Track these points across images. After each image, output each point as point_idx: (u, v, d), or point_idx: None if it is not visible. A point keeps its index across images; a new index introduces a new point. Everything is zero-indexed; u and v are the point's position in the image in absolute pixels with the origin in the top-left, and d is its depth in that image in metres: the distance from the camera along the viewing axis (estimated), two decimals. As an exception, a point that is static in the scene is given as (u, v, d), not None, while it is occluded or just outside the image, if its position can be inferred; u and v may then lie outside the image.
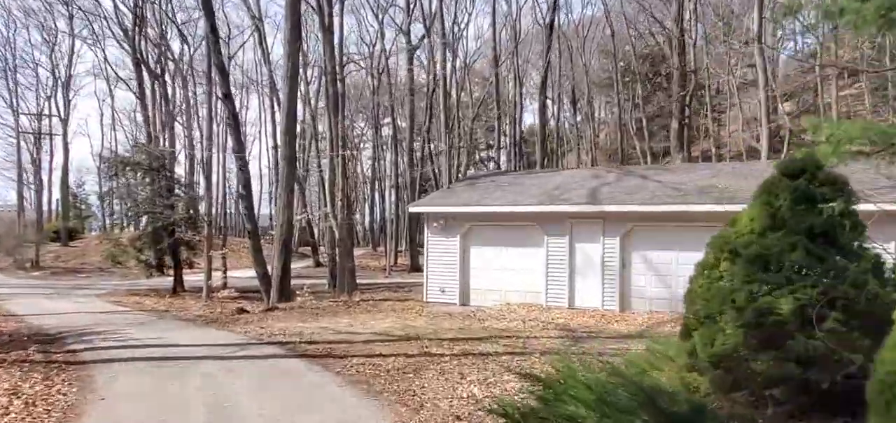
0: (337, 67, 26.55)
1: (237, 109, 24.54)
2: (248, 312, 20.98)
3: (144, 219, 34.94)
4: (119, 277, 42.70)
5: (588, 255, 19.13)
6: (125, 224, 36.19)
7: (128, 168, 33.58)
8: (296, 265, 54.20)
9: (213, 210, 50.13)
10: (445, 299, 20.96)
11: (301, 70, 46.20)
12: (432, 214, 21.21)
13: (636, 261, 18.58)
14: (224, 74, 24.69)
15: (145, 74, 41.49)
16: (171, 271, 34.03)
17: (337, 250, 25.99)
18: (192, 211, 34.00)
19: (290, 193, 22.12)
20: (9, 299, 29.08)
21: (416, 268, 49.15)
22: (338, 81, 27.02)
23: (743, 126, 45.77)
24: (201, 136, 33.12)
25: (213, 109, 30.56)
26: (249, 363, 12.46)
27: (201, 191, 36.08)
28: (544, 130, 30.45)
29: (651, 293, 18.37)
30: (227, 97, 24.08)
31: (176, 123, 44.24)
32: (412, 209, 22.97)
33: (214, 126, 40.16)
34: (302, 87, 50.03)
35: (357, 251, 56.89)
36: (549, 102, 51.69)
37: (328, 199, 27.60)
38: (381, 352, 13.23)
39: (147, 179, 34.52)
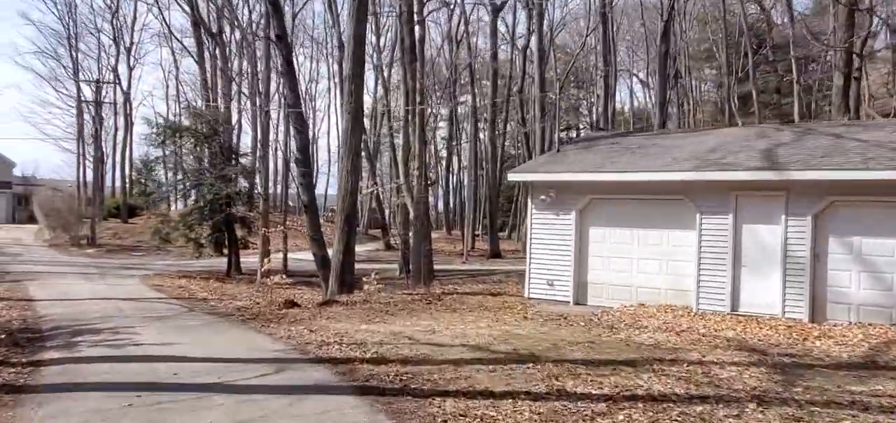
0: (415, 4, 21.71)
1: (293, 59, 19.95)
2: (298, 305, 16.44)
3: (194, 192, 31.10)
4: (174, 256, 39.32)
5: (761, 240, 13.74)
6: (176, 198, 32.26)
7: (177, 135, 29.64)
8: (363, 248, 50.00)
9: (272, 186, 46.38)
10: (554, 296, 15.92)
11: (371, 37, 41.79)
12: (538, 183, 16.17)
13: (836, 250, 13.10)
14: (278, 11, 20.16)
15: (204, 36, 37.75)
16: (228, 251, 30.16)
17: (412, 229, 21.23)
18: (247, 184, 29.89)
19: (355, 156, 17.44)
20: (40, 279, 25.65)
21: (495, 254, 44.25)
22: (415, 26, 22.19)
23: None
24: (259, 100, 28.81)
25: (272, 63, 26.21)
26: (279, 403, 7.73)
27: (257, 163, 31.93)
28: (665, 95, 24.83)
29: (859, 297, 12.88)
30: (281, 40, 19.59)
31: (237, 95, 40.36)
32: (513, 177, 17.92)
33: (273, 85, 35.97)
34: (373, 57, 45.75)
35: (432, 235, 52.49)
36: (646, 76, 45.87)
37: (401, 169, 22.81)
38: (487, 385, 8.33)
39: (199, 148, 30.63)
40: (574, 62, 51.15)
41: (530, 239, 16.29)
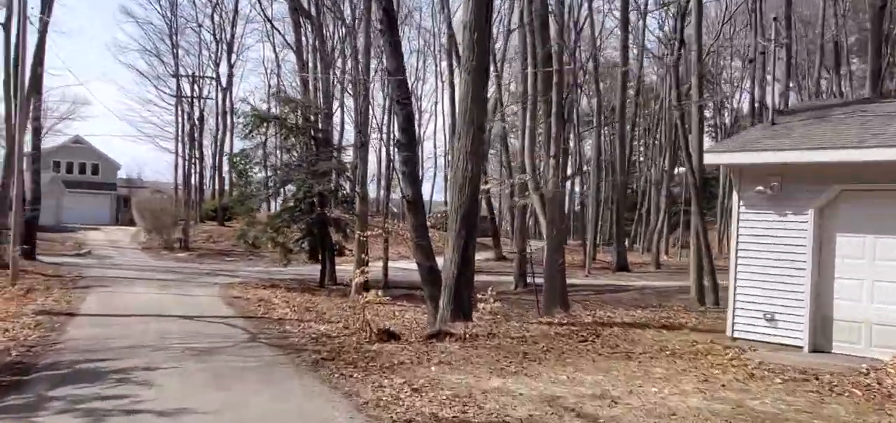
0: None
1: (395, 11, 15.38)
2: (397, 338, 11.80)
3: (284, 192, 27.32)
4: (267, 262, 35.96)
5: None
6: (267, 199, 28.59)
7: (266, 124, 25.88)
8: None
9: (373, 190, 42.39)
10: (775, 336, 10.54)
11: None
12: (751, 168, 10.86)
13: None
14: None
15: (302, 20, 34.20)
16: (321, 258, 26.22)
17: (546, 234, 16.32)
18: (342, 181, 25.81)
19: (477, 131, 12.64)
20: (111, 285, 22.65)
21: (623, 267, 38.63)
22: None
23: None
24: (357, 71, 24.66)
25: (372, 31, 21.94)
26: None
27: (355, 157, 27.79)
28: (880, 62, 19.05)
29: None
30: (380, -9, 15.13)
31: (335, 87, 36.58)
32: (713, 158, 12.46)
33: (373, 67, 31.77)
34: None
35: (538, 244, 46.89)
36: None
37: (527, 161, 17.94)
38: None
39: (289, 140, 26.83)
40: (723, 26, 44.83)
41: (736, 251, 10.97)
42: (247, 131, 25.60)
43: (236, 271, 31.45)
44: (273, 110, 26.45)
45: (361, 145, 22.66)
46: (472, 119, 12.62)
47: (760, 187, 10.54)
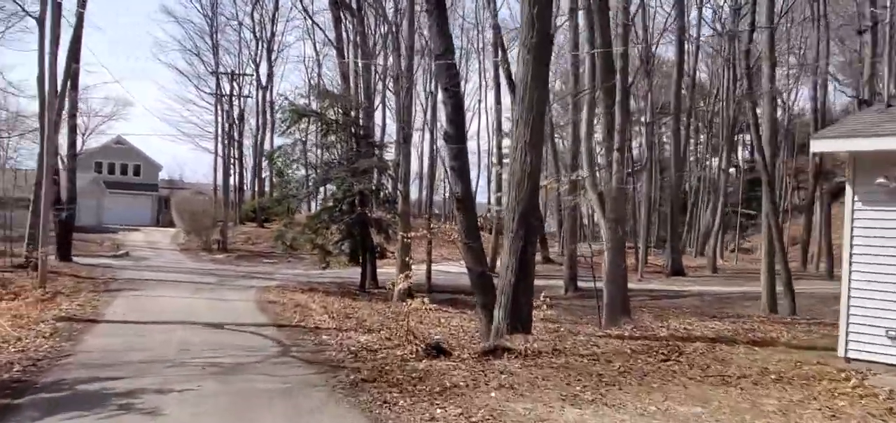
0: None
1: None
2: (448, 354, 10.31)
3: (323, 191, 26.08)
4: (306, 265, 34.86)
5: None
6: (307, 199, 27.37)
7: (305, 120, 24.67)
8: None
9: (415, 191, 40.93)
10: (899, 358, 8.80)
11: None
12: (870, 156, 9.14)
13: None
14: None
15: (342, 12, 32.96)
16: (361, 260, 24.90)
17: (606, 235, 14.72)
18: (384, 179, 24.46)
19: (537, 118, 11.05)
20: (142, 288, 21.80)
21: (678, 271, 36.65)
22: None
23: None
24: (399, 81, 23.30)
25: (415, 27, 20.52)
26: None
27: (397, 154, 26.40)
28: None
29: None
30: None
31: (377, 83, 35.26)
32: (821, 145, 10.60)
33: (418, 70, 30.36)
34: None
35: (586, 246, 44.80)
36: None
37: (585, 155, 16.35)
38: None
39: (331, 137, 25.59)
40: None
41: (850, 256, 9.23)
42: (285, 127, 24.42)
43: (274, 273, 30.37)
44: (312, 105, 25.03)
45: (404, 142, 21.25)
46: (531, 105, 11.08)
47: (883, 179, 8.79)
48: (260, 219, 47.36)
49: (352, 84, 29.36)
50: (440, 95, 14.38)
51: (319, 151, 26.60)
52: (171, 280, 25.31)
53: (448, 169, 13.64)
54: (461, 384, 8.36)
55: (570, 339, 10.98)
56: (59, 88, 26.49)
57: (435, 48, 13.75)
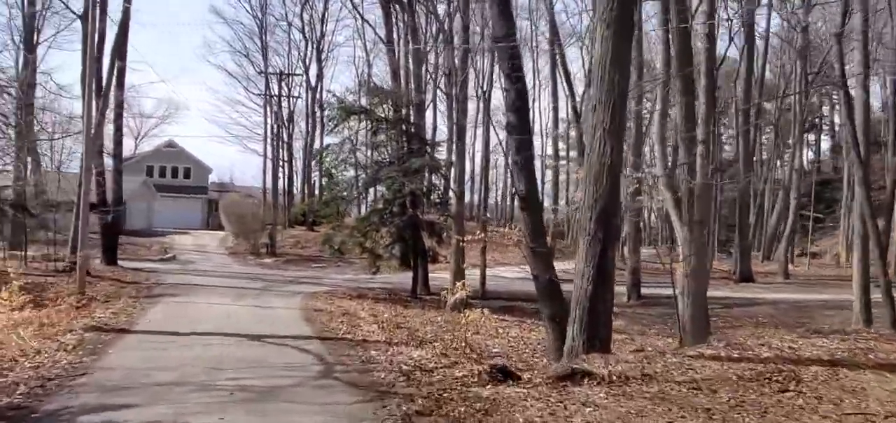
0: None
1: None
2: (516, 379, 8.79)
3: (371, 192, 24.84)
4: (356, 269, 33.71)
5: None
6: (356, 200, 26.13)
7: (354, 118, 23.46)
8: (567, 265, 41.25)
9: (469, 189, 39.34)
10: None
11: None
12: None
13: None
14: None
15: (393, 9, 31.81)
16: (412, 265, 23.58)
17: (686, 240, 13.03)
18: (436, 179, 23.10)
19: (618, 101, 9.46)
20: (186, 294, 21.11)
21: (746, 277, 34.53)
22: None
23: None
24: (453, 76, 21.91)
25: (469, 17, 19.06)
26: None
27: (451, 154, 24.99)
28: None
29: None
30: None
31: (429, 80, 33.93)
32: None
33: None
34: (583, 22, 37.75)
35: (646, 251, 42.58)
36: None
37: (658, 149, 14.67)
38: None
39: (380, 136, 24.34)
40: None
41: None
42: (333, 125, 23.24)
43: (322, 278, 29.28)
44: (362, 102, 23.80)
45: (458, 138, 19.82)
46: (611, 86, 9.49)
47: None
48: (309, 222, 46.50)
49: (402, 82, 28.08)
50: (502, 82, 12.88)
51: (369, 151, 25.33)
52: (216, 285, 24.35)
53: (510, 163, 12.14)
54: (536, 419, 6.84)
55: (660, 360, 9.34)
56: (104, 87, 25.93)
57: (496, 31, 12.29)
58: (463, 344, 12.33)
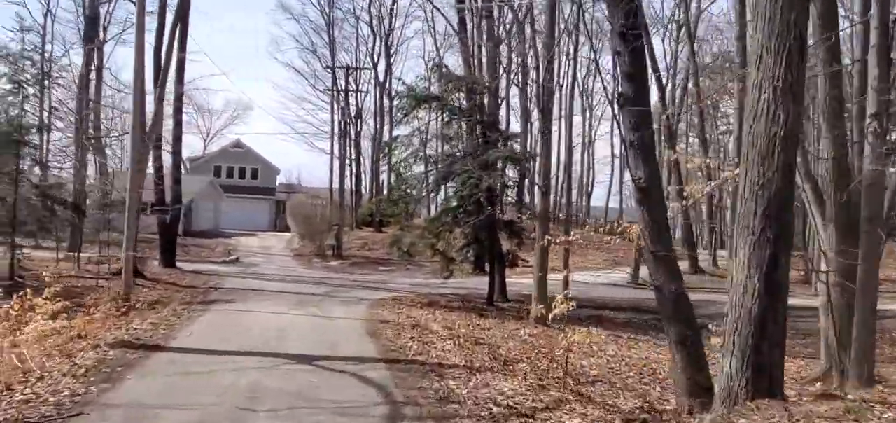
0: None
1: None
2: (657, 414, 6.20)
3: (442, 189, 22.48)
4: (425, 272, 31.52)
5: None
6: (426, 198, 23.80)
7: (424, 107, 21.16)
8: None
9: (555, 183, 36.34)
10: None
11: None
12: None
13: None
14: None
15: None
16: (489, 269, 21.13)
17: (861, 249, 10.13)
18: (514, 173, 20.59)
19: (796, 47, 6.78)
20: (243, 300, 19.52)
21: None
22: None
23: None
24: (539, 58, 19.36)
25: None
26: None
27: (534, 145, 22.36)
28: None
29: None
30: None
31: (505, 69, 31.42)
32: None
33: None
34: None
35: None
36: None
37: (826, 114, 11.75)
38: None
39: (454, 127, 22.00)
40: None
41: None
42: (402, 115, 20.98)
43: (389, 283, 27.12)
44: (433, 90, 21.47)
45: (543, 125, 17.24)
46: (786, 27, 6.77)
47: None
48: (376, 223, 44.56)
49: (474, 63, 25.62)
50: (613, 44, 10.24)
51: (439, 145, 23.01)
52: (276, 290, 22.44)
53: (625, 145, 9.48)
54: None
55: (859, 406, 6.57)
56: (160, 76, 24.39)
57: None
58: (562, 374, 9.81)
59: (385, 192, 49.96)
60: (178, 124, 27.93)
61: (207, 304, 18.31)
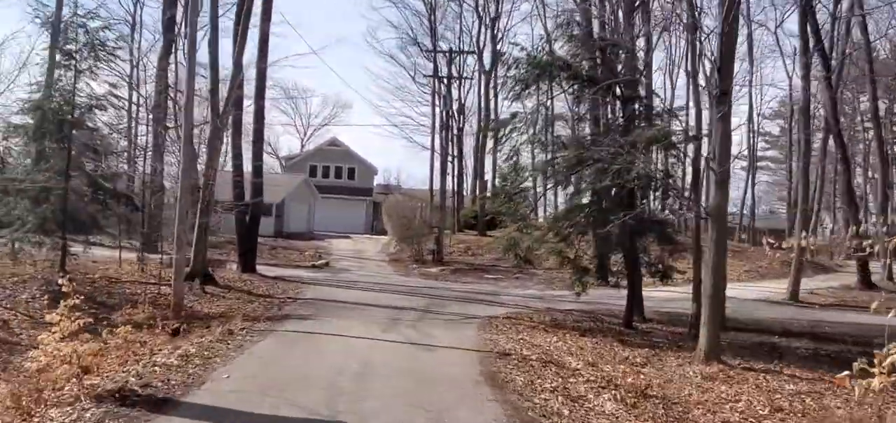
0: None
1: None
2: None
3: (571, 186, 17.87)
4: (540, 282, 27.08)
5: None
6: (544, 194, 19.13)
7: (545, 77, 16.65)
8: (815, 283, 32.04)
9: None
10: None
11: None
12: None
13: None
14: None
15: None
16: (628, 282, 16.44)
17: None
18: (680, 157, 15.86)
19: None
20: (324, 317, 15.92)
21: None
22: None
23: None
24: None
25: None
26: None
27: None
28: None
29: None
30: None
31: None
32: None
33: None
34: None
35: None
36: None
37: None
38: None
39: (582, 106, 17.45)
40: None
41: None
42: (518, 90, 16.51)
43: (499, 294, 22.77)
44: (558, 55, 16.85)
45: (720, 93, 12.39)
46: None
47: None
48: (481, 226, 40.26)
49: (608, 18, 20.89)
50: None
51: (553, 132, 18.42)
52: (364, 303, 18.50)
53: None
54: None
55: None
56: (236, 52, 20.94)
57: None
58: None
59: (489, 189, 45.64)
60: (259, 111, 24.47)
61: (277, 320, 14.51)
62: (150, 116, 27.54)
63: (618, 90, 16.85)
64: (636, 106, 16.23)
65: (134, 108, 31.72)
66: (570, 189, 17.67)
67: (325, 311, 16.43)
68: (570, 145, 17.20)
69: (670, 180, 15.60)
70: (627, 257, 16.46)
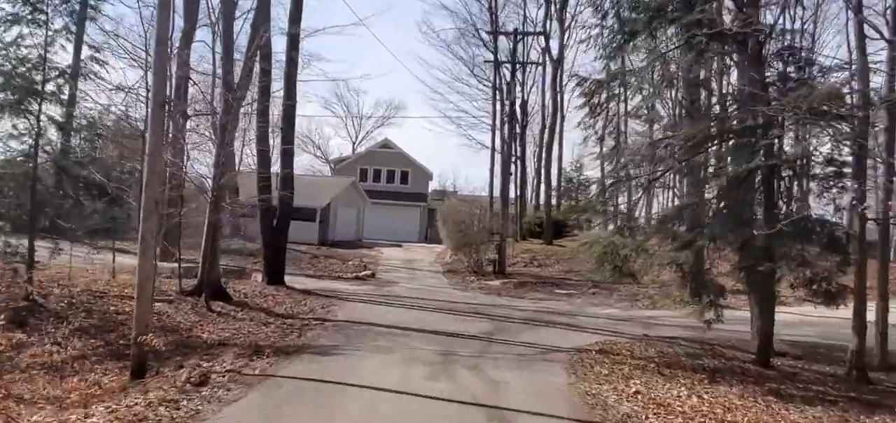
0: None
1: None
2: None
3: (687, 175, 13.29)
4: (623, 299, 22.47)
5: None
6: (646, 186, 14.54)
7: (661, 22, 12.27)
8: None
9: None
10: None
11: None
12: None
13: None
14: None
15: None
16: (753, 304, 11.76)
17: None
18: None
19: None
20: (340, 351, 11.76)
21: None
22: None
23: None
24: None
25: None
26: None
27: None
28: None
29: None
30: None
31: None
32: None
33: None
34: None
35: None
36: None
37: None
38: None
39: (697, 70, 12.93)
40: None
41: None
42: (623, 40, 12.11)
43: (577, 315, 18.33)
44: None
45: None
46: None
47: None
48: (548, 233, 35.60)
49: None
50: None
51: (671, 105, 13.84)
52: (410, 328, 14.30)
53: None
54: None
55: None
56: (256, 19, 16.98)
57: None
58: None
59: (553, 200, 41.12)
60: (289, 96, 20.45)
61: (286, 355, 10.46)
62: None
63: (757, 39, 12.19)
64: (786, 64, 11.60)
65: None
66: (685, 180, 13.13)
67: (356, 339, 12.30)
68: (678, 122, 12.67)
69: (840, 166, 10.90)
70: (760, 270, 11.84)
